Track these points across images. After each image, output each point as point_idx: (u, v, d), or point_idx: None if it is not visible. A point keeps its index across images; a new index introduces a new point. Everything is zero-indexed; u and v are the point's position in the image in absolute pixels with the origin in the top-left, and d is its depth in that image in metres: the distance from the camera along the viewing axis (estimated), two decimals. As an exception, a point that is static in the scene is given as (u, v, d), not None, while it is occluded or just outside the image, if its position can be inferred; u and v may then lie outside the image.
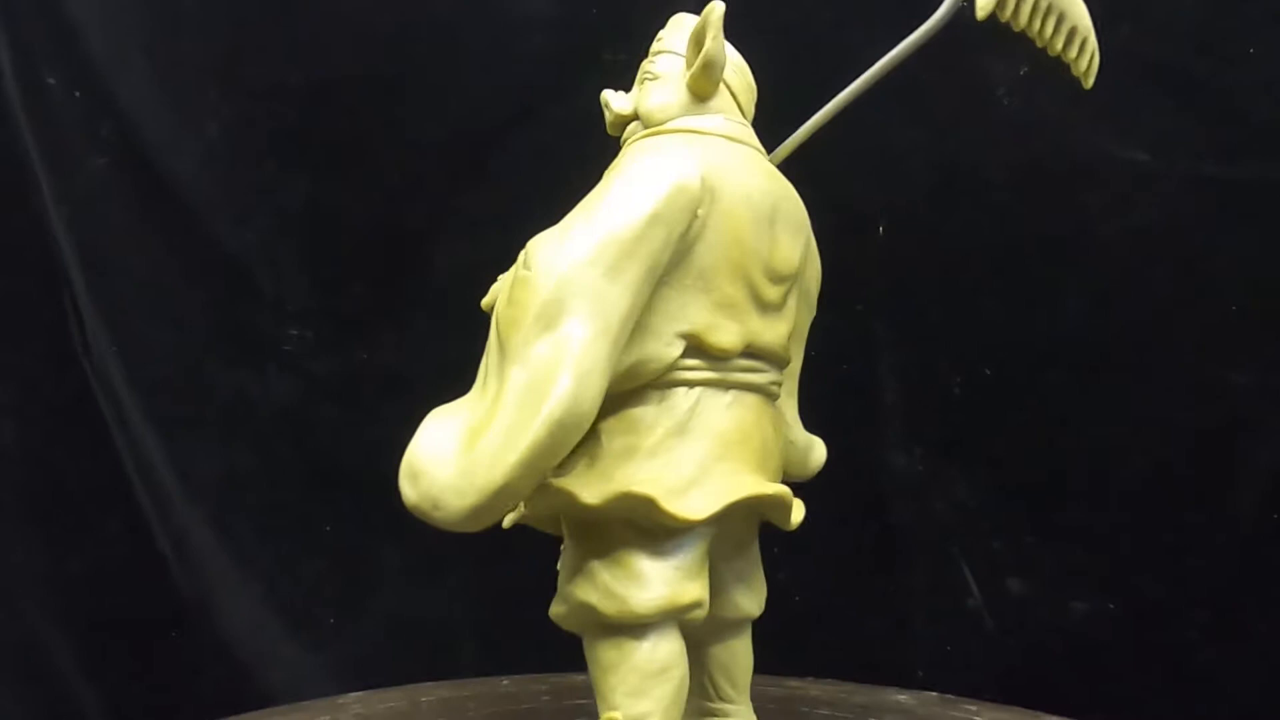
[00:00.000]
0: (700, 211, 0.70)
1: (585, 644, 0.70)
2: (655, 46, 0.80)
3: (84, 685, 1.35)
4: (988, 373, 1.22)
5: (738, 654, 0.78)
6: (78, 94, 1.31)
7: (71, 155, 1.31)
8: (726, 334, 0.71)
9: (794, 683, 1.02)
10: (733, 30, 0.75)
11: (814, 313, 0.81)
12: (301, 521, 1.34)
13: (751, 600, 0.77)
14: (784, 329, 0.75)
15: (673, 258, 0.69)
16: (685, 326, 0.70)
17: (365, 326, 1.33)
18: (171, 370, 1.33)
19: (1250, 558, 1.17)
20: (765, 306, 0.73)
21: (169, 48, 1.32)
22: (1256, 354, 1.17)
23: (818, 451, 0.84)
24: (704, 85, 0.76)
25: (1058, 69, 1.18)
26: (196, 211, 1.32)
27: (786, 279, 0.75)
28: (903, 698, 1.02)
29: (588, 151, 0.79)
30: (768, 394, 0.74)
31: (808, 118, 0.80)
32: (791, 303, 0.76)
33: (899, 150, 1.20)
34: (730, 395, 0.71)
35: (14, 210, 1.31)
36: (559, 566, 0.74)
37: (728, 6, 0.72)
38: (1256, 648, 1.17)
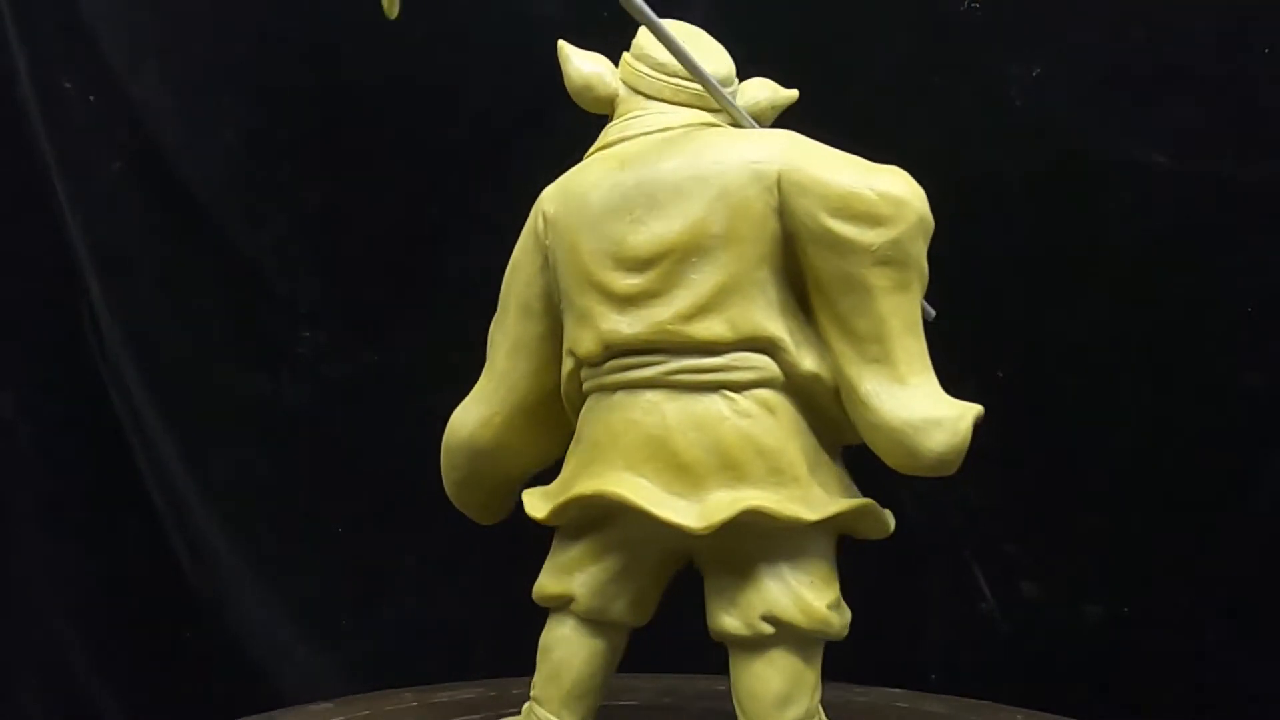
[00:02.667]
0: (547, 242, 0.77)
1: None
2: None
3: (99, 685, 1.36)
4: (1000, 375, 1.22)
5: (742, 678, 0.73)
6: (93, 98, 1.32)
7: (88, 159, 1.32)
8: (584, 342, 0.74)
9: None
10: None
11: (856, 250, 0.69)
12: (315, 523, 1.34)
13: (730, 618, 0.72)
14: (673, 310, 0.71)
15: (551, 289, 0.78)
16: (567, 345, 0.76)
17: (378, 329, 1.33)
18: (186, 372, 1.34)
19: (1268, 562, 1.16)
20: (625, 300, 0.73)
21: (185, 51, 1.33)
22: (1275, 356, 1.16)
23: (929, 436, 0.69)
24: (589, 109, 0.81)
25: (1072, 70, 1.18)
26: (211, 215, 1.33)
27: (651, 259, 0.72)
28: (915, 701, 1.01)
29: (599, 155, 0.80)
30: (675, 386, 0.71)
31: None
32: (700, 275, 0.71)
33: (910, 153, 1.20)
34: (616, 397, 0.74)
35: (31, 214, 1.32)
36: None
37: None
38: (1274, 653, 1.16)
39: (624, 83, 0.80)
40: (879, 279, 0.70)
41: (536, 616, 0.77)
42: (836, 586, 0.74)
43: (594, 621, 0.75)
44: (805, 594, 0.72)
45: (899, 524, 0.78)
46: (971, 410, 0.71)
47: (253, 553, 1.35)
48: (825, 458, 0.74)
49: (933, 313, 0.79)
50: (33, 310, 1.35)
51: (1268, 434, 1.16)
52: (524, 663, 1.05)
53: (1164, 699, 1.18)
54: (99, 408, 1.34)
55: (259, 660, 1.34)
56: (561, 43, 0.82)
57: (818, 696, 0.74)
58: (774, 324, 0.71)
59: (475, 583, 1.33)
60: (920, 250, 0.71)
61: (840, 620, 0.74)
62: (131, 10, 1.32)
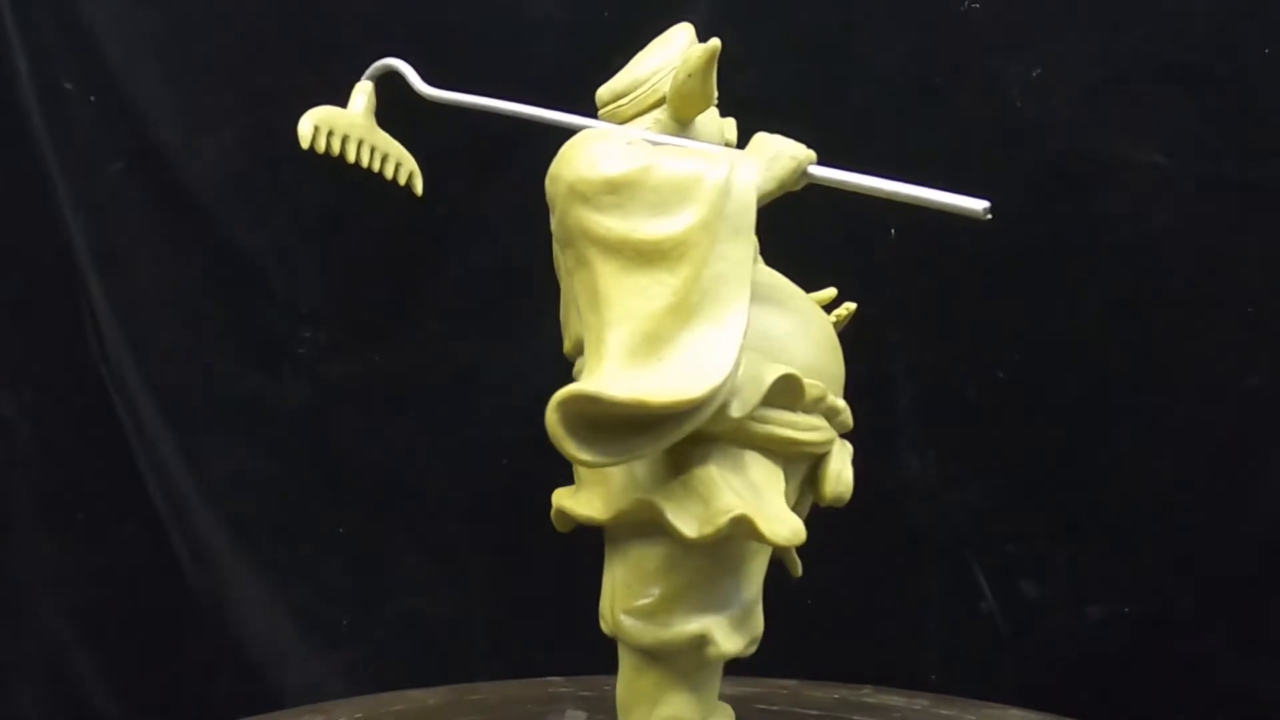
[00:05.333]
0: None
1: None
2: None
3: (99, 685, 1.36)
4: (1000, 375, 1.22)
5: None
6: (94, 99, 1.32)
7: (88, 159, 1.32)
8: None
9: (801, 685, 1.02)
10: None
11: (554, 241, 0.70)
12: (315, 523, 1.34)
13: None
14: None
15: None
16: None
17: (379, 329, 1.33)
18: (186, 373, 1.34)
19: (1269, 562, 1.16)
20: None
21: (185, 52, 1.33)
22: (1275, 356, 1.16)
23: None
24: None
25: (1072, 70, 1.18)
26: (212, 215, 1.33)
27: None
28: (915, 701, 1.01)
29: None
30: None
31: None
32: (561, 300, 0.75)
33: (911, 153, 1.20)
34: None
35: (31, 214, 1.32)
36: None
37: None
38: (1275, 653, 1.16)
39: None
40: (567, 262, 0.68)
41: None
42: (663, 595, 0.70)
43: None
44: (609, 596, 0.71)
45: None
46: (557, 395, 0.62)
47: (253, 553, 1.35)
48: (662, 456, 0.69)
49: (980, 205, 0.70)
50: (33, 310, 1.35)
51: (1268, 434, 1.16)
52: (524, 662, 1.05)
53: (1164, 699, 1.18)
54: (99, 408, 1.33)
55: (259, 660, 1.34)
56: None
57: (665, 712, 0.71)
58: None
59: (475, 583, 1.33)
60: (580, 217, 0.66)
61: (650, 630, 0.69)
62: (131, 10, 1.32)
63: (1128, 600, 1.21)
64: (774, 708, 0.93)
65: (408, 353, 1.32)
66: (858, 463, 0.78)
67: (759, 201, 0.68)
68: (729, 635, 0.69)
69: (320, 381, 1.34)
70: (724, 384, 0.63)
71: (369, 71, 0.81)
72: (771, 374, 0.68)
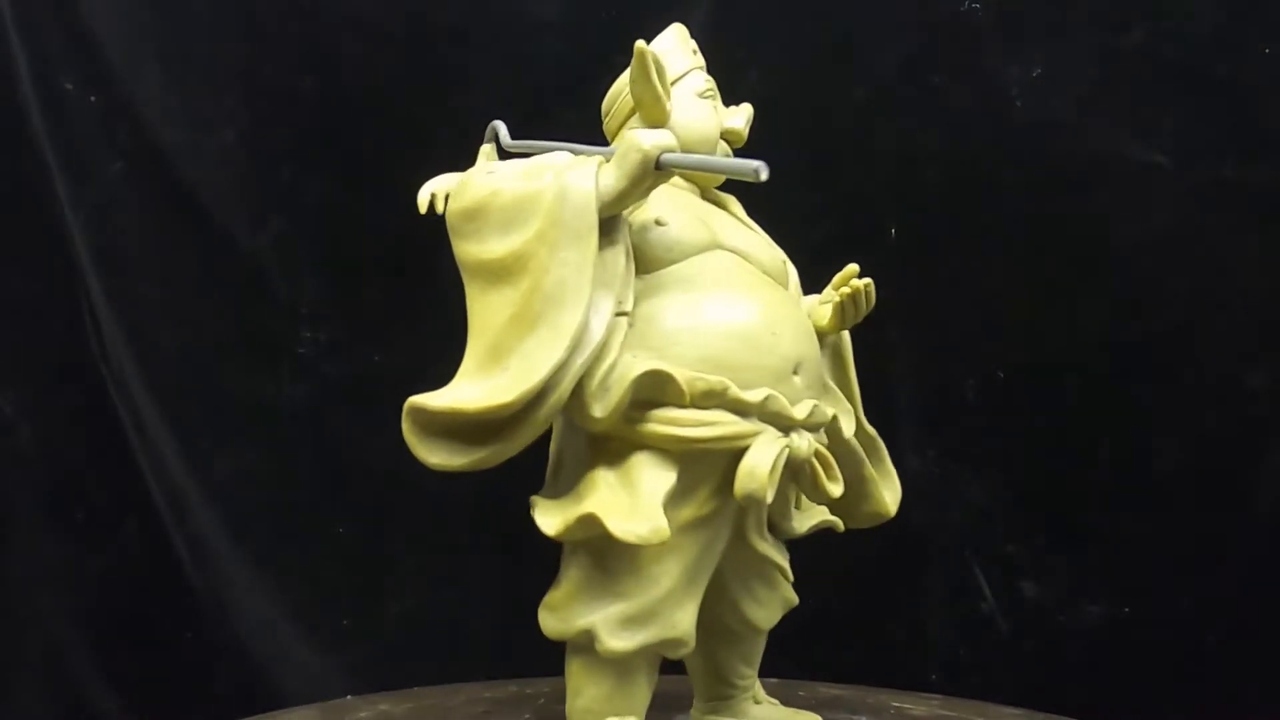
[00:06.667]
0: None
1: None
2: (699, 59, 0.81)
3: (100, 685, 1.36)
4: (1001, 376, 1.22)
5: None
6: (94, 99, 1.32)
7: (88, 159, 1.32)
8: None
9: (804, 686, 1.02)
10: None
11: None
12: (316, 523, 1.34)
13: None
14: None
15: None
16: None
17: (379, 329, 1.33)
18: (187, 373, 1.34)
19: (1268, 561, 1.16)
20: None
21: (185, 52, 1.33)
22: (1276, 356, 1.16)
23: None
24: None
25: (1072, 70, 1.18)
26: (212, 215, 1.33)
27: None
28: (914, 702, 1.01)
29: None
30: None
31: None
32: None
33: (911, 153, 1.20)
34: None
35: (31, 214, 1.32)
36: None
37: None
38: (1275, 653, 1.16)
39: None
40: None
41: (536, 617, 0.77)
42: (565, 590, 0.73)
43: None
44: None
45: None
46: (405, 405, 0.70)
47: (253, 553, 1.35)
48: (571, 458, 0.74)
49: (753, 165, 0.68)
50: (33, 310, 1.35)
51: (1268, 434, 1.16)
52: (523, 665, 1.05)
53: (1164, 699, 1.18)
54: (99, 408, 1.33)
55: (259, 660, 1.34)
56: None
57: (580, 703, 0.73)
58: None
59: (475, 583, 1.33)
60: (458, 247, 0.72)
61: (551, 623, 0.73)
62: (132, 10, 1.32)
63: (1128, 600, 1.21)
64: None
65: (407, 352, 1.32)
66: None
67: (616, 200, 0.69)
68: (615, 634, 0.70)
69: (320, 381, 1.34)
70: (541, 386, 0.66)
71: (486, 135, 0.85)
72: (636, 371, 0.68)
